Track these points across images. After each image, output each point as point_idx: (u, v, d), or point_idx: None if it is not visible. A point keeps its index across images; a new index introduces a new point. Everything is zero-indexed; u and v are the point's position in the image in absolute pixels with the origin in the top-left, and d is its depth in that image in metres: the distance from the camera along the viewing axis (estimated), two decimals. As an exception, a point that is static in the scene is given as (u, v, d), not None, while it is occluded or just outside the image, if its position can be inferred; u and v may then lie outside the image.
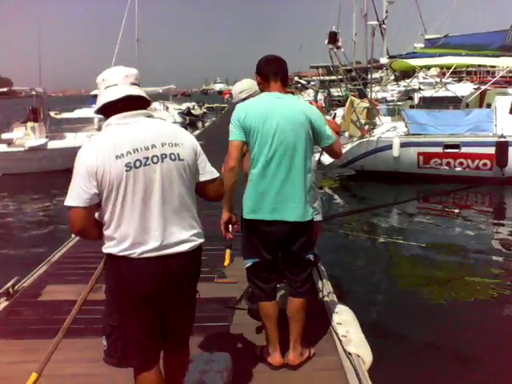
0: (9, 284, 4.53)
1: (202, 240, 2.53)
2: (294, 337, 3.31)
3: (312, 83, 36.63)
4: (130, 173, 2.34)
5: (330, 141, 3.26)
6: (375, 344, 3.61)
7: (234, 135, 3.14)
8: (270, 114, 3.13)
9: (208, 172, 2.57)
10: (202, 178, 2.55)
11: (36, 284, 4.90)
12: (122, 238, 2.37)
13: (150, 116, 2.52)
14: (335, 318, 3.79)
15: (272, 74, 3.25)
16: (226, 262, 3.72)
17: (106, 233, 2.42)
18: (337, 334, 3.59)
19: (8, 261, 7.84)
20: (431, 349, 4.73)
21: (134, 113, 2.46)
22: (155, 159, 2.38)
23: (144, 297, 2.41)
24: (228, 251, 3.66)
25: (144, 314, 2.45)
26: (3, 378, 3.25)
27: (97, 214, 2.47)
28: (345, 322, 3.73)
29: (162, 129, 2.51)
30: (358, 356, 3.34)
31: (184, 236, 2.45)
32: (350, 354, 3.35)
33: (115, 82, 2.48)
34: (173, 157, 2.42)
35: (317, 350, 3.47)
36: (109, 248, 2.42)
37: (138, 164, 2.35)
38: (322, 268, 4.75)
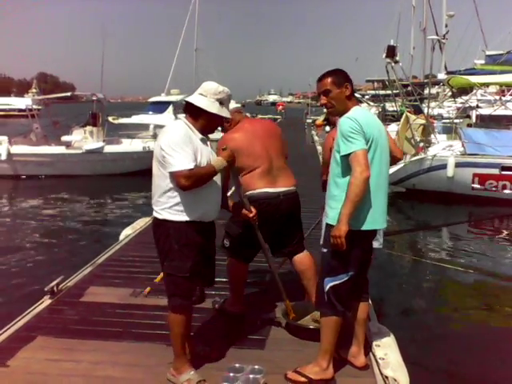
0: (54, 283, 4.63)
1: (156, 215, 3.18)
2: (362, 341, 3.44)
3: (366, 97, 36.23)
4: None
5: None
6: (413, 368, 3.50)
7: (361, 144, 2.99)
8: (380, 127, 3.23)
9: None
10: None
11: (80, 284, 4.98)
12: None
13: (179, 118, 3.36)
14: (374, 340, 3.69)
15: None
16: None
17: None
18: (375, 356, 3.50)
19: (56, 260, 8.08)
20: (470, 378, 4.56)
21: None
22: None
23: None
24: None
25: None
26: (40, 373, 3.31)
27: None
28: (384, 345, 3.63)
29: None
30: (395, 380, 3.24)
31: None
32: (386, 377, 3.25)
33: None
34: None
35: (354, 372, 3.38)
36: None
37: None
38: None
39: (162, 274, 4.58)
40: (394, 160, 4.34)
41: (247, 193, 3.88)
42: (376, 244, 4.33)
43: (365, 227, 3.11)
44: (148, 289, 4.78)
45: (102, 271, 5.43)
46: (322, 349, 3.24)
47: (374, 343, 3.65)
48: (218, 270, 3.58)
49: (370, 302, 4.39)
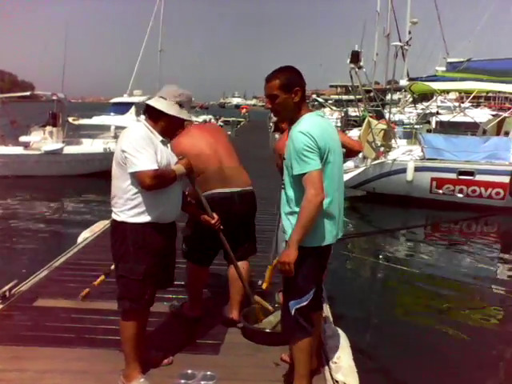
0: (6, 287, 4.49)
1: (114, 217, 3.18)
2: (315, 346, 3.32)
3: (329, 102, 36.63)
4: None
5: None
6: (364, 372, 3.53)
7: (316, 164, 2.76)
8: (334, 133, 3.03)
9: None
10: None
11: (34, 289, 4.85)
12: None
13: (139, 120, 3.33)
14: (328, 343, 3.70)
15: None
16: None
17: None
18: (328, 358, 3.51)
19: (12, 263, 7.86)
20: (421, 381, 4.64)
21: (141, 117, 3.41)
22: None
23: None
24: None
25: None
26: (-15, 384, 3.20)
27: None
28: (337, 348, 3.64)
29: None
30: (345, 384, 3.26)
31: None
32: (337, 381, 3.27)
33: None
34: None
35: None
36: None
37: None
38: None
39: (102, 277, 4.62)
40: (353, 153, 4.19)
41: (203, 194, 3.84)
42: None
43: (325, 243, 2.95)
44: (86, 290, 4.63)
45: (59, 275, 5.30)
46: (299, 374, 3.02)
47: (328, 346, 3.66)
48: (177, 273, 3.55)
49: (327, 305, 4.44)
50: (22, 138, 16.90)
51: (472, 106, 22.26)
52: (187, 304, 4.28)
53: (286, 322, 3.06)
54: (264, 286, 3.75)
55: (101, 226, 7.33)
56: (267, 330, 3.83)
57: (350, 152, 4.09)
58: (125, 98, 25.06)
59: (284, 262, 2.77)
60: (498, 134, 13.91)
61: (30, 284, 4.95)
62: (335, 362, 3.43)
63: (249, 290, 4.01)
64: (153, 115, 3.23)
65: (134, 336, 3.17)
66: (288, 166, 2.90)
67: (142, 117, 3.42)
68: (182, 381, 3.03)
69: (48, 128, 17.27)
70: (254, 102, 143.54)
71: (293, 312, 2.94)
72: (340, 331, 3.90)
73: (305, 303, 2.94)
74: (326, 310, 4.35)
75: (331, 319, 4.25)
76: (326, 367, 3.44)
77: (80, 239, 6.83)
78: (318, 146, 2.78)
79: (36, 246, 9.08)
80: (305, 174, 2.76)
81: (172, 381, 3.08)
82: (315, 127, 2.85)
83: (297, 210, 2.85)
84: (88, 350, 3.66)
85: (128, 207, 3.12)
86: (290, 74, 2.93)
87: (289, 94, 2.89)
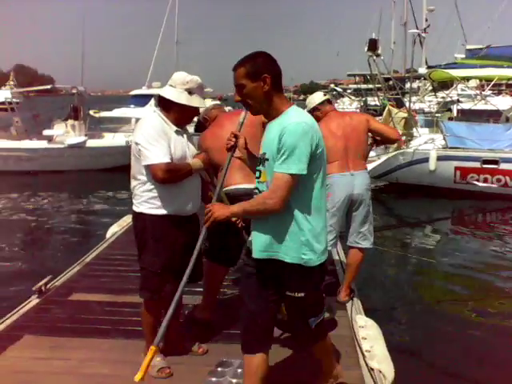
0: (42, 282, 4.61)
1: (134, 208, 3.23)
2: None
3: (348, 91, 36.34)
4: None
5: None
6: (398, 360, 3.55)
7: (303, 166, 2.38)
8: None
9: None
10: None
11: (68, 283, 4.98)
12: None
13: (154, 111, 3.26)
14: (361, 333, 3.75)
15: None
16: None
17: None
18: (361, 348, 3.54)
19: (43, 258, 8.04)
20: (454, 370, 4.65)
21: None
22: None
23: None
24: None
25: None
26: (29, 372, 3.33)
27: None
28: (370, 337, 3.68)
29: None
30: (380, 372, 3.29)
31: None
32: (372, 369, 3.29)
33: None
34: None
35: (340, 363, 3.41)
36: None
37: None
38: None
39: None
40: (390, 141, 4.82)
41: (223, 189, 3.68)
42: (368, 244, 4.45)
43: (324, 258, 2.62)
44: None
45: (90, 270, 5.43)
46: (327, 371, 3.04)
47: (361, 336, 3.70)
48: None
49: (357, 297, 4.49)
50: (46, 132, 17.04)
51: (493, 93, 21.92)
52: (201, 305, 4.11)
53: (305, 337, 2.87)
54: (138, 377, 2.44)
55: (128, 220, 7.37)
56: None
57: (386, 140, 4.61)
58: (144, 90, 25.15)
59: (215, 214, 2.53)
60: (521, 121, 13.63)
61: (64, 279, 5.07)
62: (369, 351, 3.47)
63: None
64: (165, 105, 3.20)
65: (153, 321, 3.27)
66: (268, 155, 2.52)
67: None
68: (219, 369, 3.09)
69: (70, 121, 17.45)
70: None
71: (313, 327, 2.73)
72: (371, 322, 3.95)
73: (322, 317, 2.78)
74: (357, 302, 4.40)
75: (362, 311, 4.27)
76: (361, 355, 3.46)
77: (109, 234, 6.93)
78: (312, 145, 2.41)
79: (66, 241, 9.21)
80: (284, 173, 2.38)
81: (209, 369, 3.15)
82: (312, 121, 2.51)
83: (296, 220, 2.49)
84: (123, 340, 3.77)
85: (146, 198, 3.15)
86: (258, 61, 2.53)
87: (256, 82, 2.49)
